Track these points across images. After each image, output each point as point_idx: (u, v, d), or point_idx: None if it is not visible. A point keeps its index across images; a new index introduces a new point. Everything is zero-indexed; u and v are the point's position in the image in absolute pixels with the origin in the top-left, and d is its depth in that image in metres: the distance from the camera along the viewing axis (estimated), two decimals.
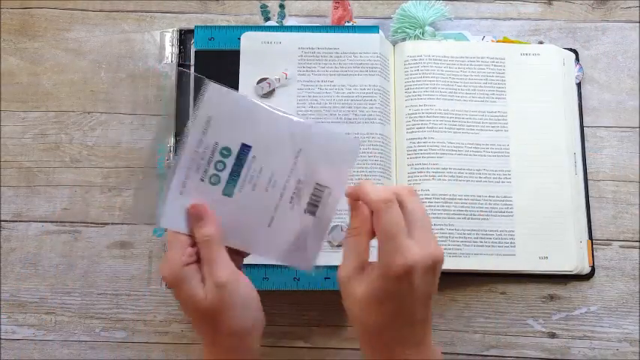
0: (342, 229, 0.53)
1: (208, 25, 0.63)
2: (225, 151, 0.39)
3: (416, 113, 0.58)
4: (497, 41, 0.62)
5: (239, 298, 0.38)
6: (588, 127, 0.61)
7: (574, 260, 0.56)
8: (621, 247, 0.58)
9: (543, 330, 0.57)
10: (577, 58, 0.62)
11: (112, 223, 0.60)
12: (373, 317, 0.37)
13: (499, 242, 0.56)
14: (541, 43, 0.63)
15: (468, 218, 0.56)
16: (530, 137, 0.58)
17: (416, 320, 0.37)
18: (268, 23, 0.63)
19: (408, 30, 0.61)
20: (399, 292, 0.36)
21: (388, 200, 0.36)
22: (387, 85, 0.58)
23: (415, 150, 0.57)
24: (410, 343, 0.38)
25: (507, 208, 0.56)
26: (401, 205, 0.37)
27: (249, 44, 0.57)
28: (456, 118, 0.58)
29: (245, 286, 0.39)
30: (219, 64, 0.57)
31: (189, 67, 0.58)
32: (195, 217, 0.39)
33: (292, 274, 0.53)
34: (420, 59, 0.59)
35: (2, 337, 0.58)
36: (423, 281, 0.36)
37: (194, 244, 0.39)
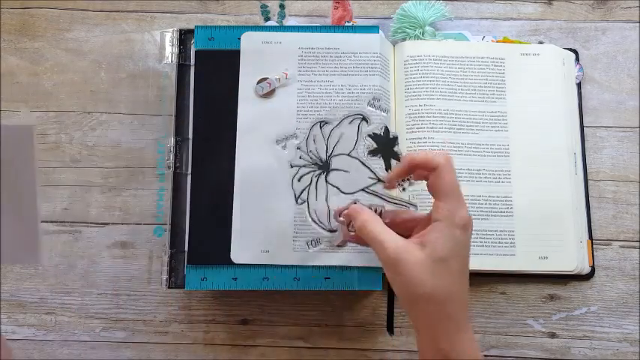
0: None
1: (208, 25, 0.63)
2: None
3: (416, 113, 0.58)
4: (497, 41, 0.62)
5: None
6: (588, 127, 0.61)
7: (574, 260, 0.56)
8: (621, 247, 0.58)
9: (543, 330, 0.57)
10: (577, 58, 0.62)
11: (112, 223, 0.60)
12: (443, 278, 0.37)
13: (499, 242, 0.56)
14: (541, 43, 0.63)
15: None
16: (530, 137, 0.58)
17: (467, 287, 0.39)
18: (268, 23, 0.63)
19: (408, 30, 0.61)
20: (464, 243, 0.38)
21: (448, 159, 0.39)
22: (387, 85, 0.58)
23: (415, 150, 0.57)
24: (462, 321, 0.38)
25: (507, 208, 0.56)
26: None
27: (249, 44, 0.57)
28: (456, 118, 0.58)
29: None
30: (219, 64, 0.57)
31: (189, 67, 0.58)
32: None
33: (292, 274, 0.53)
34: (420, 59, 0.59)
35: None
36: (471, 238, 0.39)
37: None
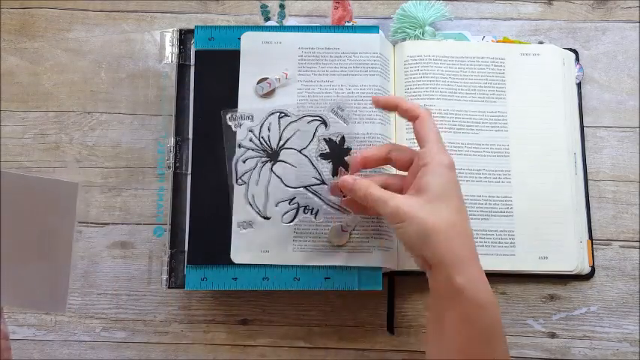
0: (342, 229, 0.53)
1: (208, 25, 0.63)
2: None
3: None
4: (497, 41, 0.62)
5: None
6: (588, 127, 0.61)
7: (574, 260, 0.56)
8: (621, 247, 0.58)
9: (543, 330, 0.57)
10: (577, 58, 0.62)
11: (112, 223, 0.60)
12: (441, 213, 0.41)
13: (499, 242, 0.56)
14: (541, 43, 0.63)
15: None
16: (530, 137, 0.58)
17: (467, 221, 0.44)
18: (268, 23, 0.63)
19: (408, 30, 0.61)
20: (453, 180, 0.43)
21: (428, 111, 0.46)
22: (387, 85, 0.58)
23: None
24: (470, 254, 0.42)
25: (507, 208, 0.56)
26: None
27: (249, 44, 0.57)
28: (456, 118, 0.58)
29: None
30: (219, 64, 0.57)
31: (189, 67, 0.58)
32: None
33: (292, 274, 0.53)
34: (420, 59, 0.59)
35: None
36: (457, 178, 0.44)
37: None
